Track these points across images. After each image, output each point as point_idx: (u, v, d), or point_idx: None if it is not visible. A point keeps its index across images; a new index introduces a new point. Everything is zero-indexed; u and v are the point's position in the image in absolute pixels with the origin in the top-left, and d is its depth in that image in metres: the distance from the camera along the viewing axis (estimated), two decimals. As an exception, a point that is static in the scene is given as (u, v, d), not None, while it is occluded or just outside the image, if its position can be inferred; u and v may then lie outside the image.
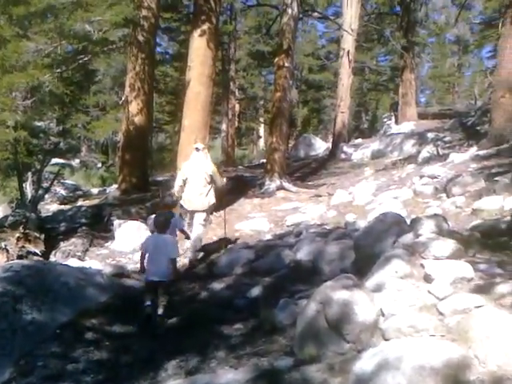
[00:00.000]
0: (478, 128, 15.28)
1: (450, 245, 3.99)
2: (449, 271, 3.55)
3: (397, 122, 22.85)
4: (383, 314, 3.31)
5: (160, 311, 5.07)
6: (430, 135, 16.59)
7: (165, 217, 5.70)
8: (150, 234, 6.41)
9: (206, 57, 10.28)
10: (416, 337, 3.02)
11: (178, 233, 6.37)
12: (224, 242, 7.95)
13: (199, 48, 10.27)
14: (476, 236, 4.53)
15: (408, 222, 5.05)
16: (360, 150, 18.22)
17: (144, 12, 13.33)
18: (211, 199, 7.45)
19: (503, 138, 10.20)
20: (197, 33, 10.25)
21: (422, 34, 26.52)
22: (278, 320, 4.38)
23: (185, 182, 7.39)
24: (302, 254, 6.54)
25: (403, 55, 22.34)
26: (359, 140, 22.06)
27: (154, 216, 6.30)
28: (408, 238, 4.46)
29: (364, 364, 2.93)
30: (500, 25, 11.32)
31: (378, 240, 4.81)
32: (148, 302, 5.12)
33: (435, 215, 5.02)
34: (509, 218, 4.92)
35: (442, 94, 40.21)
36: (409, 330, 3.06)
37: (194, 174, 7.39)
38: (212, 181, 7.41)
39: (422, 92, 39.44)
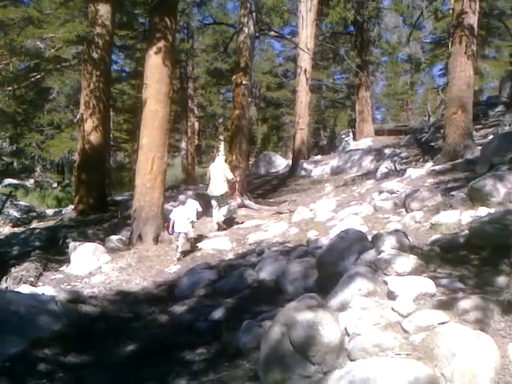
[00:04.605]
0: (433, 144, 15.72)
1: (411, 260, 4.01)
2: (411, 287, 3.55)
3: (355, 139, 23.28)
4: (348, 334, 3.26)
5: (179, 250, 8.53)
6: (387, 151, 16.93)
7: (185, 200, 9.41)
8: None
9: (163, 74, 10.12)
10: (381, 356, 2.97)
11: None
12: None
13: (155, 66, 10.10)
14: (436, 251, 4.56)
15: (369, 238, 5.06)
16: (320, 167, 18.39)
17: (98, 29, 13.09)
18: (225, 188, 10.37)
19: (457, 153, 10.51)
20: (152, 50, 10.09)
21: (375, 53, 27.28)
22: (241, 343, 4.26)
23: (210, 177, 10.48)
24: (265, 273, 6.46)
25: (358, 73, 22.87)
26: (319, 156, 22.29)
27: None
28: (370, 254, 4.45)
29: (331, 387, 2.86)
30: (449, 44, 11.71)
31: (340, 258, 4.79)
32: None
33: (396, 231, 5.05)
34: (466, 232, 4.98)
35: (397, 111, 41.34)
36: (374, 349, 3.02)
37: (215, 171, 10.46)
38: (225, 175, 10.33)
39: (377, 109, 40.37)
